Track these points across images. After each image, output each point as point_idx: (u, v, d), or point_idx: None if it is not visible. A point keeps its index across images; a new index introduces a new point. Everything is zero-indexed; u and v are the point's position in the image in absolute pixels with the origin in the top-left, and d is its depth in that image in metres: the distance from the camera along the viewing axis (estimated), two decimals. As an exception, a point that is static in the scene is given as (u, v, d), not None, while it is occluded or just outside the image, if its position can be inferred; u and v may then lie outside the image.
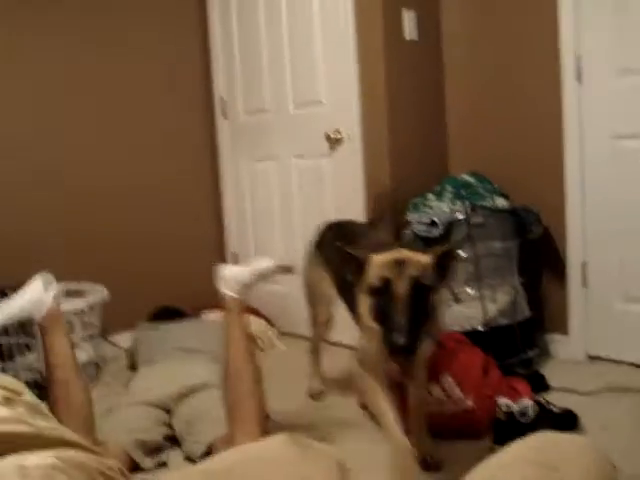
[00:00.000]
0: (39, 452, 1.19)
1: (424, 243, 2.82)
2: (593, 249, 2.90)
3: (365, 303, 1.84)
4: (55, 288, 2.22)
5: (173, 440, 2.31)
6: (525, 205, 2.95)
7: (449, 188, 3.01)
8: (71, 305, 2.96)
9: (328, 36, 3.24)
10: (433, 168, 3.30)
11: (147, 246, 3.74)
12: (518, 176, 3.06)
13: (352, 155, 3.21)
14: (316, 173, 3.42)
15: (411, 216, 2.98)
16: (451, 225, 2.87)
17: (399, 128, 3.15)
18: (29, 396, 1.57)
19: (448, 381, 2.31)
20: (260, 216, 3.82)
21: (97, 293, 3.17)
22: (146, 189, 3.73)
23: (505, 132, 3.15)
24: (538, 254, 3.00)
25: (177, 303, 3.55)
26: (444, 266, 1.82)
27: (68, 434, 1.38)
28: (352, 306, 2.11)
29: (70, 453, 1.25)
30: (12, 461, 1.13)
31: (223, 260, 4.02)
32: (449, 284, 2.77)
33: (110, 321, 3.34)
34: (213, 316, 3.42)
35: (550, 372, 2.74)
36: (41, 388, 2.28)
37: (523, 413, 2.17)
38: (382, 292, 1.75)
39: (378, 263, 1.80)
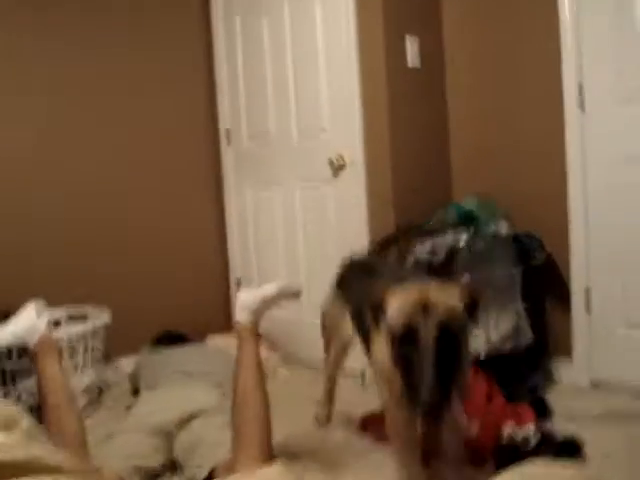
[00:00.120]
0: (35, 478, 1.19)
1: (427, 270, 2.82)
2: (596, 275, 2.91)
3: (385, 350, 1.61)
4: (47, 315, 2.25)
5: (174, 467, 2.29)
6: (528, 231, 2.96)
7: (452, 214, 3.02)
8: (74, 329, 2.97)
9: (331, 63, 3.28)
10: (436, 194, 3.31)
11: (151, 271, 3.75)
12: (521, 202, 3.07)
13: (355, 181, 3.22)
14: (319, 199, 3.44)
15: (414, 242, 2.98)
16: (453, 252, 2.87)
17: (402, 154, 3.17)
18: (26, 422, 1.57)
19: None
20: (264, 241, 3.83)
21: (100, 317, 3.17)
22: (150, 214, 3.76)
23: (508, 159, 3.16)
24: (542, 280, 2.99)
25: (181, 328, 3.56)
26: (473, 306, 1.60)
27: (64, 460, 1.38)
28: (370, 351, 1.93)
29: None
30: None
31: (227, 286, 4.03)
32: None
33: (113, 345, 3.34)
34: (218, 341, 3.42)
35: (554, 397, 2.72)
36: (40, 411, 2.29)
37: (526, 441, 2.16)
38: (405, 340, 1.53)
39: (400, 305, 1.59)
